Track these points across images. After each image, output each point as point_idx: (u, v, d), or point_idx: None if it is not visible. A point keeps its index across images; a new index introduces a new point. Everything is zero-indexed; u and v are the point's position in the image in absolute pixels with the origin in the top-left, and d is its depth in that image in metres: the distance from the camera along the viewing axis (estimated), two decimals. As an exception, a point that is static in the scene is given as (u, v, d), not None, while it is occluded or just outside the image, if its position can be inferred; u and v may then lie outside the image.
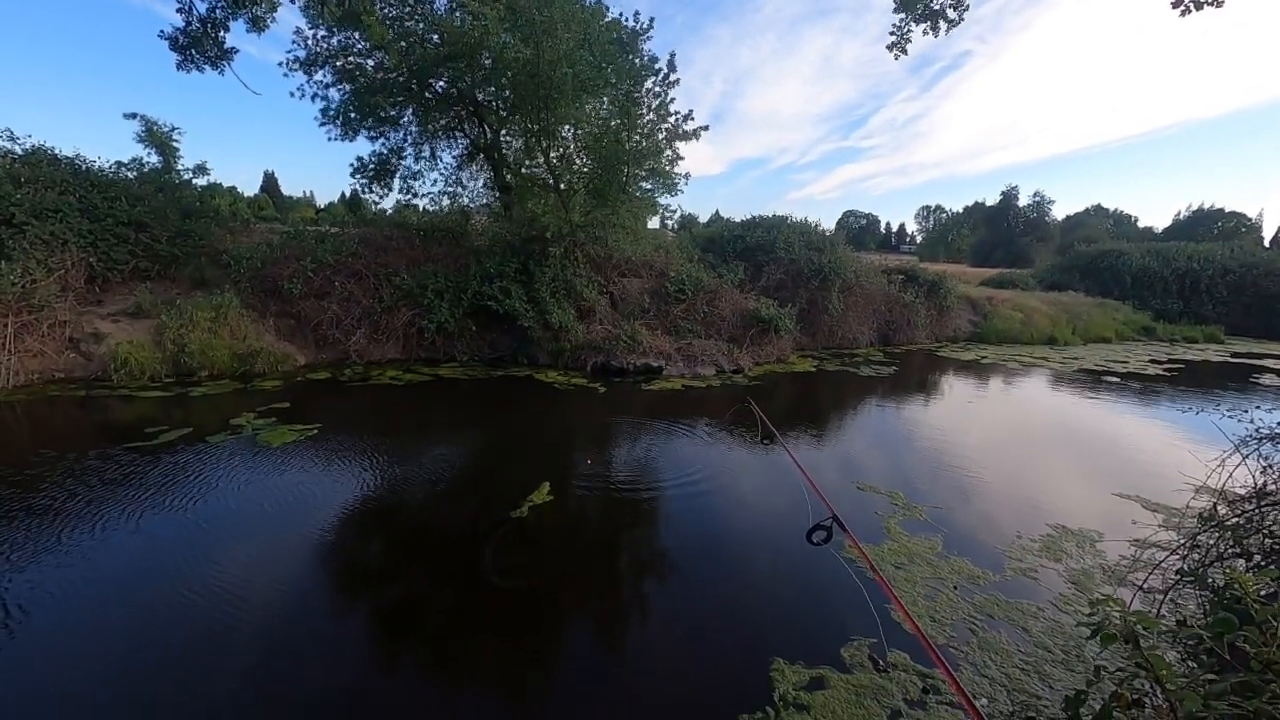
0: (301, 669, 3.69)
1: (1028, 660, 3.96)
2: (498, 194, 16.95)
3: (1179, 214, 65.10)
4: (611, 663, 3.96)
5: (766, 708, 3.45)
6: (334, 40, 14.32)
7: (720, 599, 4.63)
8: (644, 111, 13.41)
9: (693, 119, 13.65)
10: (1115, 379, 14.53)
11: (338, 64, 14.62)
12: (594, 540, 5.62)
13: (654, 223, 17.87)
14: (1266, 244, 60.66)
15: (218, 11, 6.27)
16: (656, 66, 13.32)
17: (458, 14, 13.55)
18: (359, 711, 3.36)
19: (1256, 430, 3.87)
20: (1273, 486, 3.66)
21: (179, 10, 6.27)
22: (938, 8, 5.45)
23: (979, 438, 9.42)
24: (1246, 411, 4.29)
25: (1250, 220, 62.76)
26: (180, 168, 14.86)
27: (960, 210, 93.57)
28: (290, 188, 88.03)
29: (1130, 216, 77.62)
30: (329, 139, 15.39)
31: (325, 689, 3.53)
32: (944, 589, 4.79)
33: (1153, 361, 17.35)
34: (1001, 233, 68.27)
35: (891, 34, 5.75)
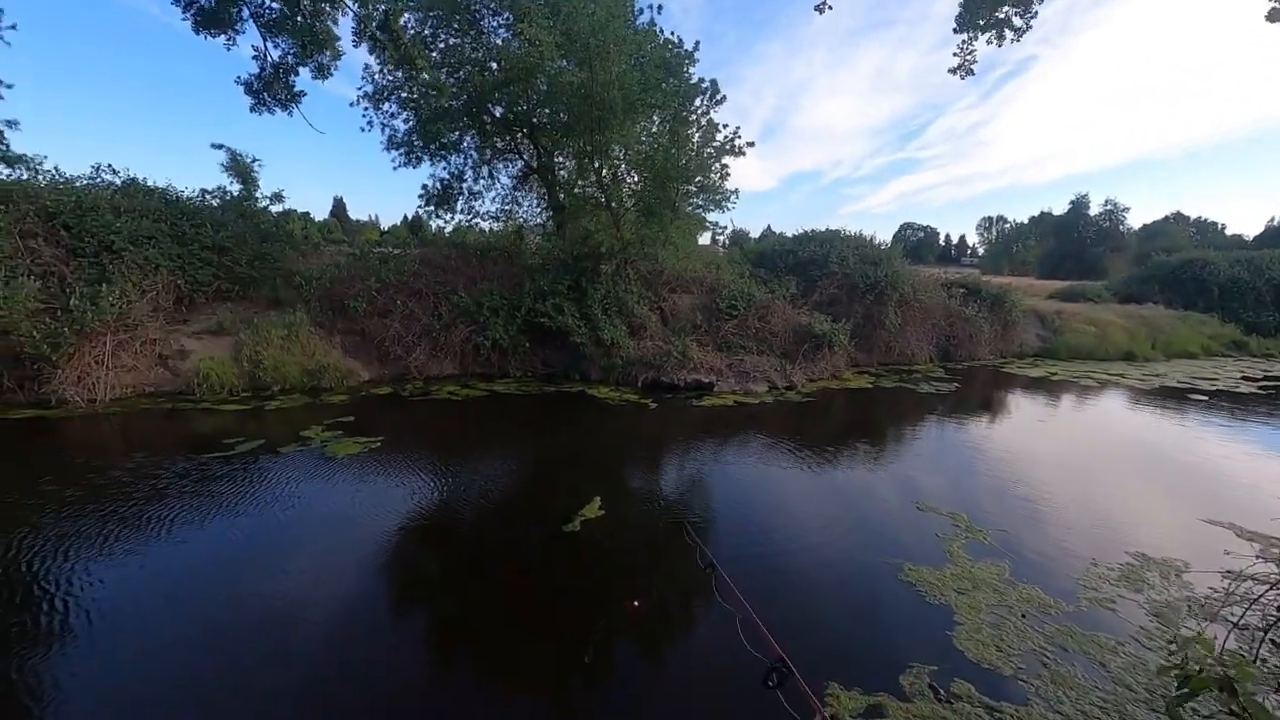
0: (356, 678, 3.81)
1: (1107, 698, 3.71)
2: (551, 213, 17.35)
3: (1273, 220, 60.51)
4: (661, 680, 3.93)
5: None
6: (399, 74, 15.10)
7: (776, 617, 4.52)
8: (692, 131, 13.53)
9: (740, 136, 13.69)
10: (1203, 397, 13.54)
11: (403, 95, 15.39)
12: (644, 557, 5.61)
13: (704, 239, 17.89)
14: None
15: (290, 58, 6.76)
16: (704, 86, 13.47)
17: (514, 42, 14.06)
18: None
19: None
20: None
21: (254, 57, 6.79)
22: (1003, 16, 5.28)
23: (1049, 458, 8.94)
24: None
25: (1356, 226, 57.75)
26: (259, 195, 15.86)
27: (1025, 220, 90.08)
28: (357, 212, 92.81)
29: (1216, 224, 72.94)
30: (394, 166, 16.18)
31: (378, 697, 3.63)
32: (1011, 617, 4.55)
33: (1245, 379, 16.08)
34: (1071, 243, 65.11)
35: (955, 55, 5.61)
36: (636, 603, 4.54)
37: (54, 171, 12.52)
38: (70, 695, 3.52)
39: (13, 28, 16.58)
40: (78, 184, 12.54)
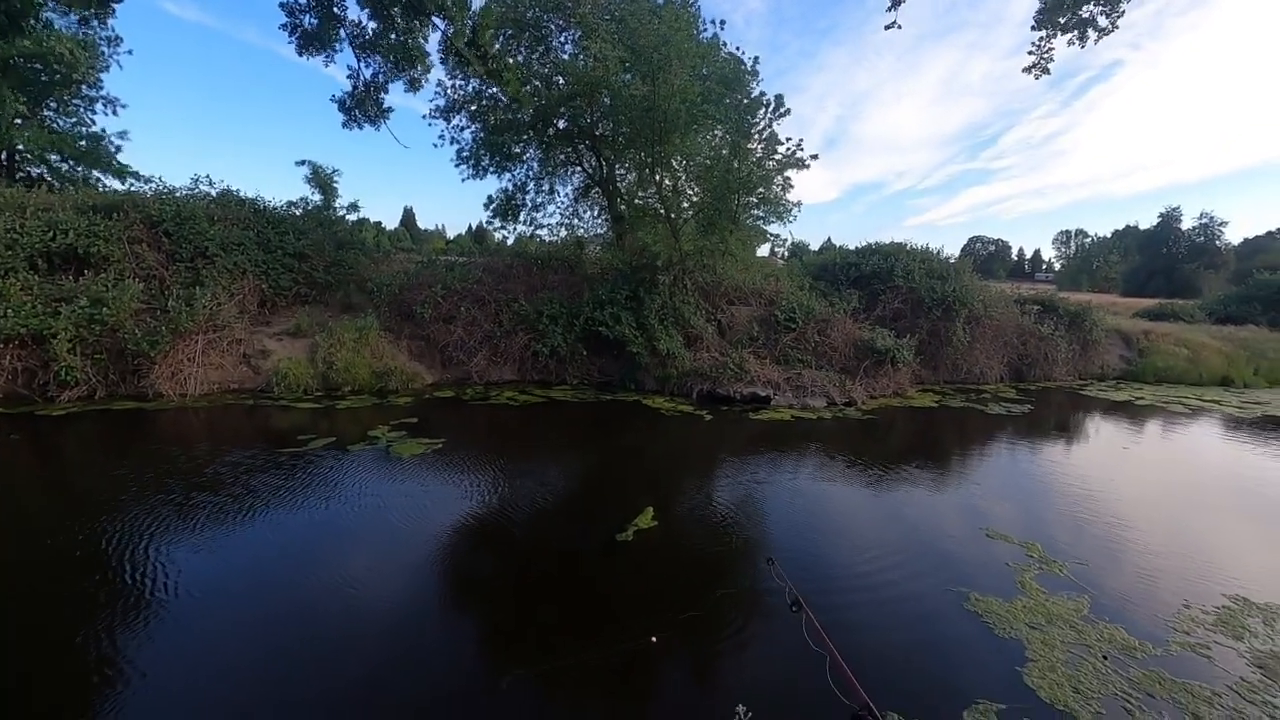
0: (415, 672, 3.92)
1: (1201, 752, 3.41)
2: (611, 224, 17.58)
3: (1398, 236, 55.01)
4: (714, 701, 3.86)
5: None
6: (469, 87, 15.71)
7: (833, 644, 4.37)
8: (754, 144, 13.44)
9: (803, 148, 13.49)
10: (1313, 429, 12.35)
11: (472, 108, 15.99)
12: (697, 570, 5.54)
13: (763, 250, 17.72)
14: None
15: (380, 76, 7.14)
16: (765, 99, 13.37)
17: (581, 57, 14.39)
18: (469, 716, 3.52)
19: None
20: None
21: (349, 77, 7.20)
22: (1086, 16, 5.01)
23: (1133, 489, 8.35)
24: None
25: None
26: (337, 205, 16.76)
27: (1108, 234, 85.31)
28: (425, 221, 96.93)
29: (1330, 239, 66.64)
30: (462, 180, 16.82)
31: (437, 695, 3.72)
32: (1090, 657, 4.25)
33: (1364, 410, 14.58)
34: (1159, 259, 61.15)
35: (1030, 53, 5.36)
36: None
37: (158, 182, 13.61)
38: (153, 669, 3.77)
39: (129, 53, 18.09)
40: (178, 194, 13.58)
